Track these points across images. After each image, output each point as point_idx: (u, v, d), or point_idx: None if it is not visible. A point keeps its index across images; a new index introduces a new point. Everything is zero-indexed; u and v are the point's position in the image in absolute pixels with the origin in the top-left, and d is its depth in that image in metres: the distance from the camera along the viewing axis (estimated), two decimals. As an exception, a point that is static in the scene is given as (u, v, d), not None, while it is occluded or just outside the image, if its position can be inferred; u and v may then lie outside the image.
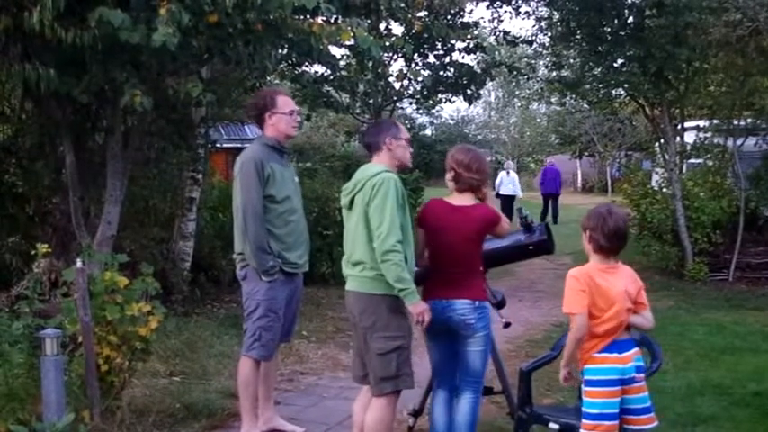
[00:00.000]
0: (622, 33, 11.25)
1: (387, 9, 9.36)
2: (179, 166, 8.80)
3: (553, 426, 3.72)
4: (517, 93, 33.06)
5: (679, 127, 12.42)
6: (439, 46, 13.15)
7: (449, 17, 12.47)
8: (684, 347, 6.82)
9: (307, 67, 12.29)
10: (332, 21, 6.28)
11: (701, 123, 12.65)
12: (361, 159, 8.24)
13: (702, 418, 4.86)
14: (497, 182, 18.20)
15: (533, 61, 16.31)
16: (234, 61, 6.29)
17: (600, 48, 11.45)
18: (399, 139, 3.84)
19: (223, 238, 8.71)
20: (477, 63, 13.84)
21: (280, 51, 7.77)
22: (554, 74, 14.04)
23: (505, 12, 13.47)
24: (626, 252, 3.52)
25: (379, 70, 12.57)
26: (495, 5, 13.36)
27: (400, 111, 26.95)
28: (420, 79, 13.59)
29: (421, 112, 31.71)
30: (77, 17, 5.08)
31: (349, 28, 5.66)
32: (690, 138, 12.54)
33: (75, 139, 6.69)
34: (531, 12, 13.05)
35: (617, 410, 3.26)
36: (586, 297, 3.23)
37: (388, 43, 11.03)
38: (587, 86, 12.76)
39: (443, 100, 15.16)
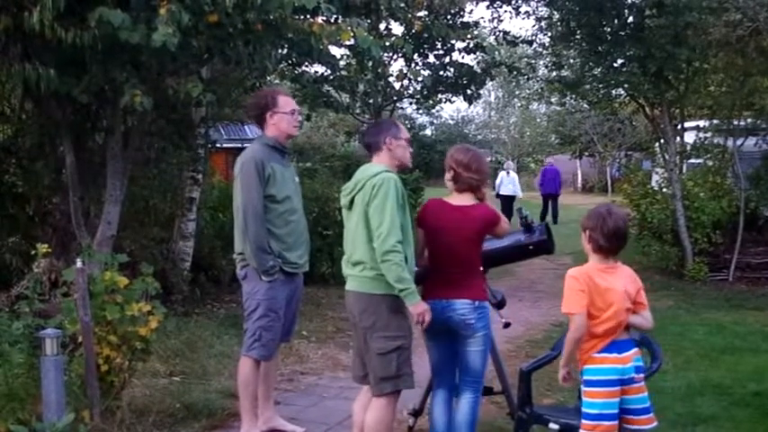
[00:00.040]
0: (622, 33, 11.25)
1: (387, 9, 9.37)
2: (179, 166, 8.80)
3: (553, 426, 3.72)
4: (517, 93, 33.01)
5: (679, 127, 12.42)
6: (439, 46, 13.14)
7: (449, 17, 12.46)
8: (684, 347, 6.82)
9: (307, 66, 12.27)
10: (332, 21, 6.28)
11: (701, 123, 12.65)
12: (361, 159, 8.23)
13: (702, 419, 4.86)
14: (497, 182, 18.19)
15: (533, 61, 16.27)
16: (234, 61, 6.29)
17: (600, 48, 11.45)
18: (399, 138, 3.84)
19: (223, 238, 8.71)
20: (477, 63, 13.83)
21: (280, 51, 7.77)
22: (554, 74, 14.04)
23: (505, 12, 13.50)
24: (626, 252, 3.52)
25: (379, 70, 12.56)
26: (495, 5, 13.36)
27: (400, 111, 26.93)
28: (420, 79, 13.57)
29: (421, 112, 31.75)
30: (77, 17, 5.08)
31: (349, 28, 5.66)
32: (690, 138, 12.53)
33: (75, 139, 6.69)
34: (530, 12, 13.07)
35: (616, 411, 3.27)
36: (585, 297, 3.23)
37: (388, 43, 11.02)
38: (587, 86, 12.76)
39: (443, 100, 15.14)
